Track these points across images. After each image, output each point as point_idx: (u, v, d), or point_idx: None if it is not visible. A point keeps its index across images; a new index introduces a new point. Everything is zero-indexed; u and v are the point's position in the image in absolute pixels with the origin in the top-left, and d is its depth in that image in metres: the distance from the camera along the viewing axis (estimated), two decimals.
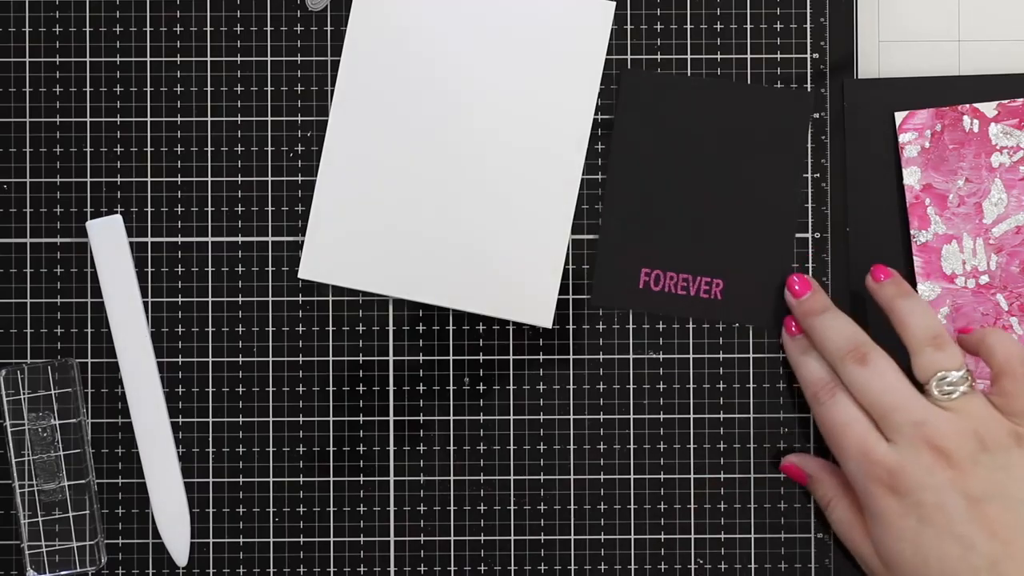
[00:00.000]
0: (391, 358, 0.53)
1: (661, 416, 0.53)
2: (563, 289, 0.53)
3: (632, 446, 0.53)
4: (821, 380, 0.50)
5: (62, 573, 0.53)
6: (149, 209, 0.53)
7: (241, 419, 0.53)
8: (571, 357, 0.53)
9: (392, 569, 0.53)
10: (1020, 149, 0.53)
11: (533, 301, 0.53)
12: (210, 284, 0.53)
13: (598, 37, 0.53)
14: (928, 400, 0.47)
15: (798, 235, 0.53)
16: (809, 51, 0.53)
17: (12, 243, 0.53)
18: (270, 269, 0.53)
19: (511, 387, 0.53)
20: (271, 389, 0.53)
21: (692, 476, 0.53)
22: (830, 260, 0.53)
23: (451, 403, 0.53)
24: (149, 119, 0.53)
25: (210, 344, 0.53)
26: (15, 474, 0.53)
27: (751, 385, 0.53)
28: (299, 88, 0.53)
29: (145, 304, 0.53)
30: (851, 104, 0.53)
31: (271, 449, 0.53)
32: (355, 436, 0.53)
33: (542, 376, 0.53)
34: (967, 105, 0.53)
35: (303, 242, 0.53)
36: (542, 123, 0.53)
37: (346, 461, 0.53)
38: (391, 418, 0.53)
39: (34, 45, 0.53)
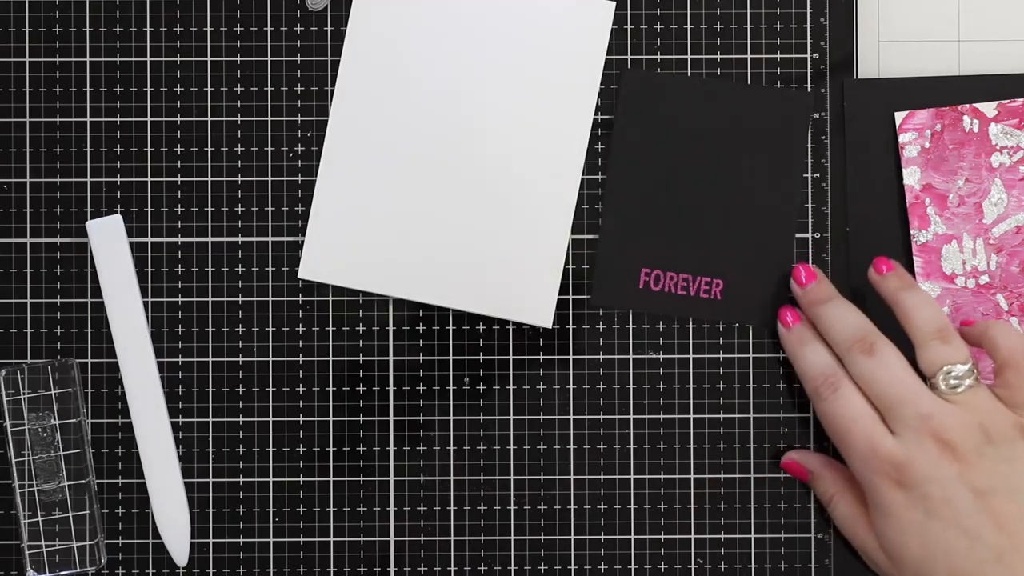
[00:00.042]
0: (391, 358, 0.53)
1: (661, 416, 0.53)
2: (563, 289, 0.53)
3: (632, 446, 0.53)
4: (821, 374, 0.49)
5: (62, 573, 0.53)
6: (149, 209, 0.53)
7: (241, 419, 0.53)
8: (571, 357, 0.53)
9: (392, 569, 0.53)
10: (1020, 149, 0.53)
11: (533, 301, 0.53)
12: (210, 284, 0.53)
13: (598, 37, 0.53)
14: (934, 393, 0.47)
15: (798, 235, 0.53)
16: (809, 51, 0.53)
17: (12, 243, 0.53)
18: (270, 269, 0.53)
19: (511, 387, 0.53)
20: (271, 389, 0.53)
21: (692, 476, 0.53)
22: (830, 260, 0.53)
23: (451, 403, 0.53)
24: (149, 119, 0.53)
25: (210, 344, 0.53)
26: (15, 474, 0.53)
27: (751, 385, 0.53)
28: (299, 88, 0.53)
29: (145, 304, 0.53)
30: (851, 104, 0.53)
31: (271, 449, 0.53)
32: (355, 436, 0.53)
33: (542, 376, 0.53)
34: (967, 105, 0.53)
35: (303, 242, 0.53)
36: (542, 123, 0.53)
37: (346, 461, 0.53)
38: (391, 418, 0.53)
39: (34, 45, 0.53)
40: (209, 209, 0.53)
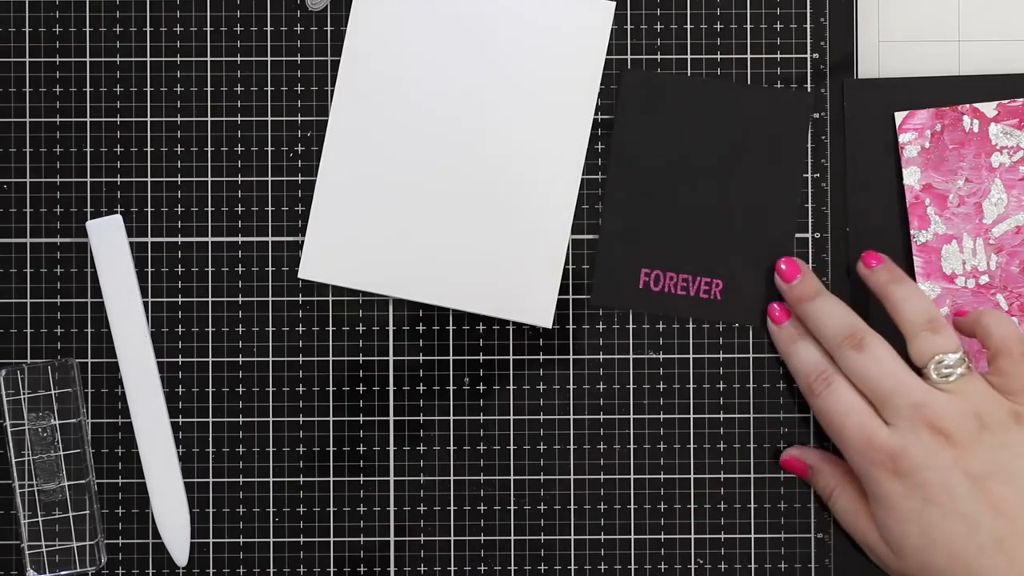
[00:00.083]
0: (391, 358, 0.53)
1: (661, 416, 0.53)
2: (563, 289, 0.53)
3: (632, 446, 0.53)
4: (814, 370, 0.50)
5: (62, 573, 0.53)
6: (149, 209, 0.53)
7: (241, 419, 0.53)
8: (571, 357, 0.53)
9: (392, 569, 0.53)
10: (1020, 149, 0.53)
11: (533, 301, 0.53)
12: (210, 284, 0.53)
13: (598, 37, 0.53)
14: (927, 384, 0.47)
15: (798, 235, 0.53)
16: (809, 51, 0.53)
17: (12, 243, 0.53)
18: (270, 269, 0.53)
19: (511, 387, 0.53)
20: (271, 389, 0.53)
21: (692, 476, 0.53)
22: (830, 260, 0.53)
23: (451, 403, 0.53)
24: (149, 119, 0.53)
25: (210, 344, 0.53)
26: (15, 474, 0.53)
27: (751, 385, 0.53)
28: (299, 88, 0.53)
29: (145, 304, 0.53)
30: (851, 104, 0.53)
31: (271, 449, 0.53)
32: (355, 436, 0.53)
33: (542, 376, 0.53)
34: (967, 105, 0.53)
35: (303, 242, 0.53)
36: (542, 123, 0.53)
37: (346, 461, 0.53)
38: (391, 418, 0.53)
39: (34, 45, 0.53)
40: (209, 209, 0.53)
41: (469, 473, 0.53)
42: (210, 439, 0.53)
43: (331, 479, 0.53)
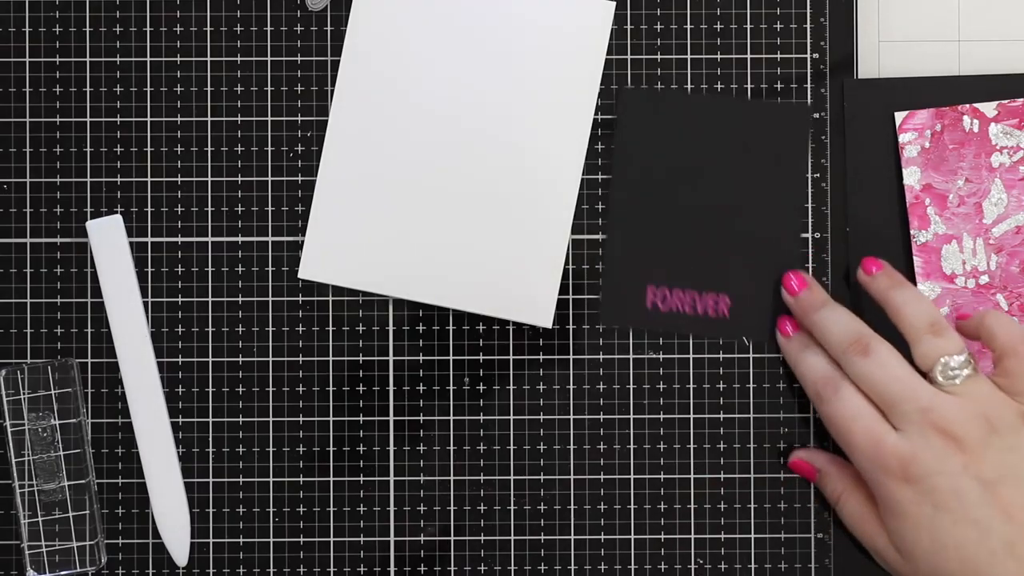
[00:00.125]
0: (391, 358, 0.53)
1: (661, 416, 0.53)
2: (563, 289, 0.53)
3: (632, 446, 0.53)
4: (823, 377, 0.49)
5: (62, 573, 0.53)
6: (149, 209, 0.53)
7: (241, 419, 0.53)
8: (571, 357, 0.53)
9: (392, 569, 0.53)
10: (1020, 149, 0.53)
11: (533, 301, 0.53)
12: (210, 284, 0.53)
13: (598, 37, 0.53)
14: (933, 387, 0.47)
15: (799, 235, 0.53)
16: (809, 51, 0.53)
17: (12, 243, 0.53)
18: (270, 269, 0.53)
19: (511, 387, 0.53)
20: (271, 389, 0.53)
21: (692, 476, 0.53)
22: (830, 260, 0.53)
23: (451, 403, 0.53)
24: (149, 119, 0.53)
25: (210, 344, 0.53)
26: (15, 474, 0.53)
27: (751, 385, 0.53)
28: (299, 88, 0.53)
29: (145, 304, 0.53)
30: (851, 104, 0.53)
31: (271, 449, 0.53)
32: (355, 436, 0.53)
33: (542, 376, 0.53)
34: (967, 105, 0.53)
35: (303, 242, 0.53)
36: (542, 123, 0.53)
37: (346, 461, 0.53)
38: (391, 418, 0.53)
39: (34, 45, 0.53)
40: (209, 209, 0.53)
41: (469, 473, 0.53)
42: (210, 439, 0.53)
43: (331, 479, 0.53)
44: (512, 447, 0.53)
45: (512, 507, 0.53)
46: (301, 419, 0.53)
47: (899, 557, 0.48)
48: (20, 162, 0.53)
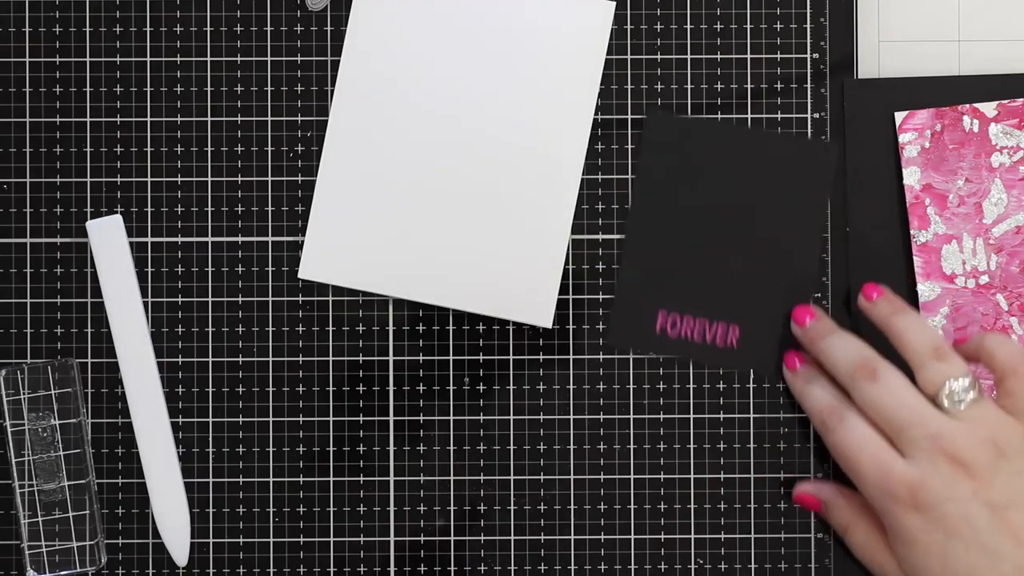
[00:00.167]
0: (391, 358, 0.53)
1: (661, 416, 0.53)
2: (563, 289, 0.53)
3: (632, 446, 0.53)
4: (828, 406, 0.49)
5: (62, 573, 0.53)
6: (149, 209, 0.53)
7: (241, 419, 0.53)
8: (571, 357, 0.53)
9: (392, 569, 0.53)
10: (1020, 149, 0.53)
11: (533, 301, 0.53)
12: (210, 284, 0.53)
13: (598, 37, 0.53)
14: (941, 412, 0.47)
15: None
16: (809, 51, 0.53)
17: (12, 243, 0.53)
18: (270, 269, 0.53)
19: (511, 387, 0.53)
20: (271, 389, 0.53)
21: (692, 476, 0.53)
22: (830, 260, 0.53)
23: (451, 403, 0.53)
24: (149, 119, 0.53)
25: (210, 344, 0.53)
26: (15, 474, 0.53)
27: (751, 385, 0.53)
28: (299, 88, 0.53)
29: (145, 304, 0.53)
30: (851, 104, 0.53)
31: (271, 449, 0.53)
32: (355, 436, 0.53)
33: (542, 376, 0.53)
34: (967, 105, 0.53)
35: (303, 242, 0.53)
36: (542, 123, 0.53)
37: (346, 461, 0.53)
38: (391, 418, 0.53)
39: (34, 45, 0.53)
40: (209, 209, 0.53)
41: (469, 473, 0.53)
42: (210, 439, 0.53)
43: (331, 479, 0.53)
44: (512, 447, 0.53)
45: (512, 507, 0.53)
46: (301, 419, 0.53)
47: None
48: (20, 162, 0.53)
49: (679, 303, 0.53)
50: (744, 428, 0.53)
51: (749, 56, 0.53)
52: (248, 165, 0.53)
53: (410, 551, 0.53)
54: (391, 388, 0.53)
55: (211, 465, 0.53)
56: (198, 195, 0.53)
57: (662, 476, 0.53)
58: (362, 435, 0.53)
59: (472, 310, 0.53)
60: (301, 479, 0.53)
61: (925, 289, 0.53)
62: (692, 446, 0.53)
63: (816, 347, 0.51)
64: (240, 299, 0.53)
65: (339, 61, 0.53)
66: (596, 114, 0.53)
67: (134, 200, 0.53)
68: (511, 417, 0.53)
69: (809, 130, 0.53)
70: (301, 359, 0.53)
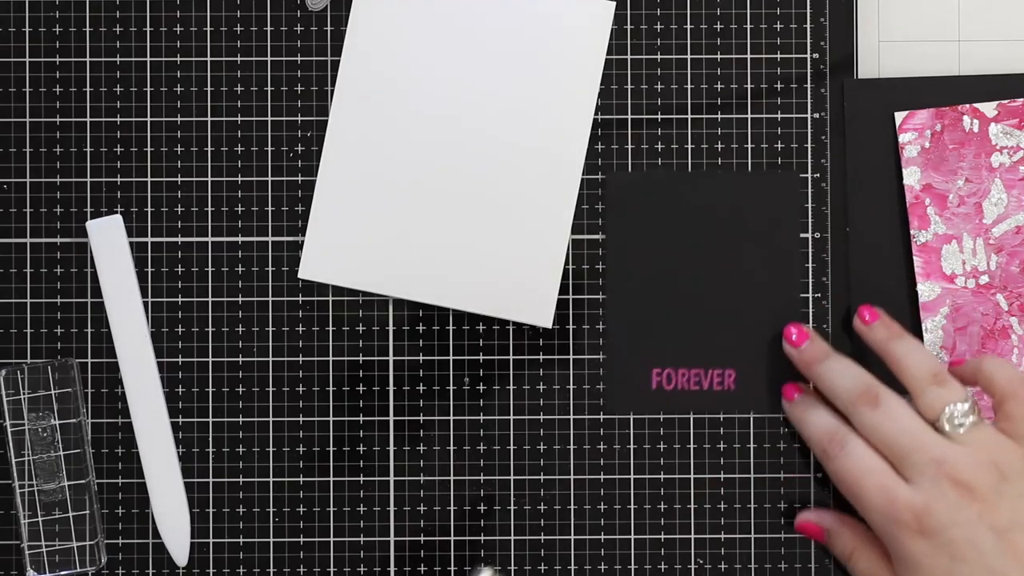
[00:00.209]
0: (391, 358, 0.53)
1: (661, 416, 0.53)
2: (563, 289, 0.53)
3: (632, 446, 0.53)
4: (827, 434, 0.49)
5: (62, 573, 0.53)
6: (149, 209, 0.53)
7: (241, 419, 0.53)
8: (571, 357, 0.53)
9: (392, 569, 0.53)
10: (1020, 149, 0.53)
11: (533, 301, 0.53)
12: (210, 284, 0.53)
13: (598, 37, 0.53)
14: (942, 437, 0.47)
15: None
16: (809, 51, 0.53)
17: (12, 243, 0.53)
18: (270, 269, 0.53)
19: (511, 387, 0.53)
20: (271, 389, 0.53)
21: (692, 476, 0.53)
22: (830, 260, 0.53)
23: (451, 403, 0.53)
24: (149, 119, 0.53)
25: (210, 344, 0.53)
26: (15, 474, 0.53)
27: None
28: (299, 88, 0.53)
29: (145, 304, 0.53)
30: (851, 104, 0.53)
31: (271, 449, 0.53)
32: (355, 436, 0.53)
33: (542, 376, 0.53)
34: (967, 105, 0.53)
35: (303, 242, 0.53)
36: (542, 123, 0.53)
37: (346, 461, 0.53)
38: (391, 418, 0.53)
39: (34, 45, 0.53)
40: (209, 209, 0.53)
41: (469, 473, 0.53)
42: (210, 439, 0.53)
43: (331, 479, 0.53)
44: (512, 447, 0.53)
45: (512, 507, 0.53)
46: (301, 419, 0.53)
47: None
48: (20, 162, 0.53)
49: (670, 358, 0.53)
50: (744, 428, 0.53)
51: (749, 56, 0.53)
52: (248, 165, 0.53)
53: (410, 551, 0.53)
54: (391, 388, 0.53)
55: (211, 465, 0.53)
56: (198, 195, 0.53)
57: (662, 476, 0.53)
58: (362, 435, 0.53)
59: (472, 310, 0.53)
60: (301, 479, 0.53)
61: (925, 289, 0.53)
62: (692, 446, 0.53)
63: (813, 371, 0.51)
64: (240, 299, 0.53)
65: (339, 61, 0.53)
66: (596, 114, 0.53)
67: (134, 200, 0.53)
68: (511, 417, 0.53)
69: (809, 130, 0.53)
70: (301, 359, 0.53)
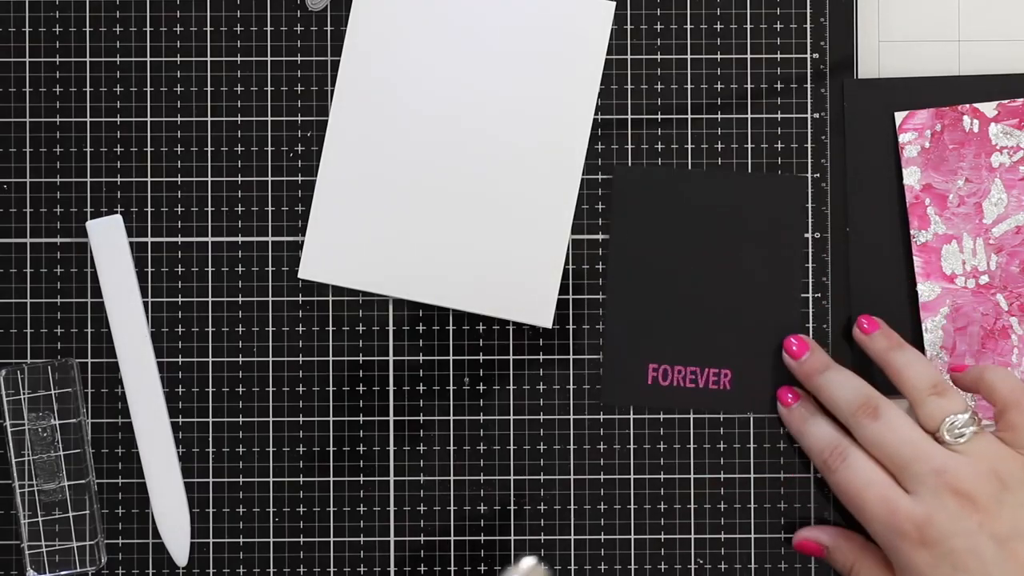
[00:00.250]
0: (391, 358, 0.53)
1: (661, 416, 0.53)
2: (563, 289, 0.53)
3: (632, 446, 0.53)
4: (828, 445, 0.49)
5: (62, 573, 0.53)
6: (149, 209, 0.53)
7: (241, 419, 0.53)
8: (571, 357, 0.53)
9: (392, 569, 0.53)
10: (1020, 149, 0.53)
11: (533, 301, 0.53)
12: (210, 284, 0.53)
13: (598, 37, 0.53)
14: (943, 447, 0.47)
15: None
16: (809, 51, 0.53)
17: (12, 243, 0.53)
18: (270, 269, 0.53)
19: (511, 387, 0.53)
20: (271, 389, 0.53)
21: (692, 476, 0.53)
22: (830, 260, 0.53)
23: (451, 403, 0.53)
24: (149, 119, 0.53)
25: (210, 344, 0.53)
26: (15, 474, 0.53)
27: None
28: (299, 88, 0.53)
29: (145, 304, 0.53)
30: (851, 104, 0.53)
31: (271, 449, 0.53)
32: (355, 436, 0.53)
33: (542, 376, 0.53)
34: (967, 105, 0.53)
35: (303, 242, 0.53)
36: (542, 123, 0.53)
37: (346, 461, 0.53)
38: (391, 418, 0.53)
39: (34, 45, 0.53)
40: (209, 209, 0.53)
41: (469, 473, 0.53)
42: (210, 439, 0.53)
43: (331, 479, 0.53)
44: (512, 447, 0.53)
45: (512, 507, 0.53)
46: (301, 419, 0.53)
47: None
48: (20, 162, 0.53)
49: (667, 354, 0.53)
50: (744, 428, 0.53)
51: (749, 56, 0.53)
52: (248, 165, 0.53)
53: (410, 551, 0.53)
54: (391, 388, 0.53)
55: (211, 465, 0.53)
56: (198, 195, 0.53)
57: (662, 476, 0.53)
58: (362, 435, 0.53)
59: (472, 310, 0.53)
60: (301, 479, 0.53)
61: (925, 289, 0.53)
62: (692, 446, 0.53)
63: (813, 383, 0.51)
64: (240, 299, 0.53)
65: (339, 61, 0.53)
66: (596, 114, 0.53)
67: (134, 200, 0.53)
68: (511, 417, 0.53)
69: (809, 130, 0.53)
70: (301, 359, 0.53)
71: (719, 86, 0.53)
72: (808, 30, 0.53)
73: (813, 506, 0.53)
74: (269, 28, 0.53)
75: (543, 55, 0.53)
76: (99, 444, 0.53)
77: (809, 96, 0.53)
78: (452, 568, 0.53)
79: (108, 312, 0.53)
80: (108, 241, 0.53)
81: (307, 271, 0.53)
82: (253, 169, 0.53)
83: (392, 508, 0.53)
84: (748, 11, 0.53)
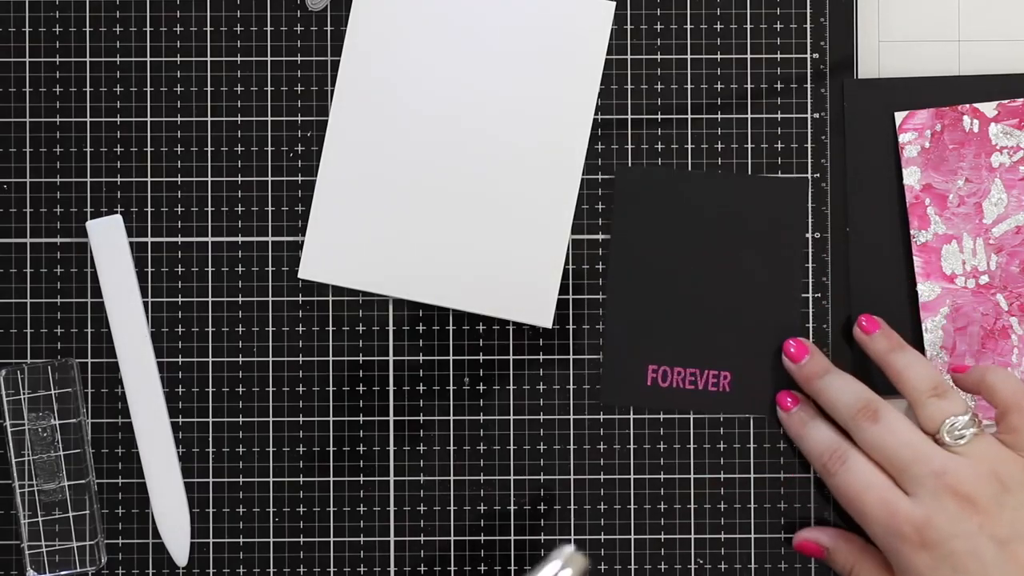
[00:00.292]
0: (391, 358, 0.53)
1: (661, 416, 0.53)
2: (563, 289, 0.53)
3: (632, 446, 0.53)
4: (828, 449, 0.49)
5: (62, 573, 0.53)
6: (149, 209, 0.53)
7: (241, 419, 0.53)
8: (571, 357, 0.53)
9: (392, 569, 0.53)
10: (1020, 149, 0.53)
11: (533, 301, 0.53)
12: (210, 284, 0.53)
13: (598, 37, 0.53)
14: (942, 449, 0.47)
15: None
16: (809, 51, 0.53)
17: (12, 243, 0.53)
18: (270, 269, 0.53)
19: (511, 387, 0.53)
20: (271, 389, 0.53)
21: (692, 476, 0.53)
22: (830, 260, 0.53)
23: (451, 403, 0.53)
24: (149, 119, 0.53)
25: (210, 344, 0.53)
26: (15, 474, 0.53)
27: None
28: (299, 88, 0.53)
29: (145, 304, 0.53)
30: (851, 104, 0.53)
31: (271, 449, 0.53)
32: (355, 436, 0.53)
33: (542, 376, 0.53)
34: (967, 105, 0.53)
35: (303, 242, 0.53)
36: (542, 123, 0.53)
37: (346, 461, 0.53)
38: (391, 418, 0.53)
39: (34, 45, 0.53)
40: (209, 209, 0.53)
41: (469, 473, 0.53)
42: (210, 439, 0.53)
43: (331, 479, 0.53)
44: (512, 447, 0.53)
45: (512, 507, 0.53)
46: (301, 419, 0.53)
47: None
48: (20, 162, 0.53)
49: (666, 355, 0.53)
50: (744, 428, 0.53)
51: (749, 56, 0.53)
52: (248, 165, 0.53)
53: (410, 551, 0.53)
54: (391, 388, 0.53)
55: (211, 465, 0.53)
56: (198, 195, 0.53)
57: (662, 476, 0.53)
58: (362, 435, 0.53)
59: (472, 310, 0.53)
60: (301, 479, 0.53)
61: (925, 289, 0.53)
62: (692, 446, 0.53)
63: (812, 386, 0.51)
64: (240, 299, 0.53)
65: (339, 61, 0.53)
66: (596, 114, 0.53)
67: (134, 200, 0.53)
68: (511, 417, 0.53)
69: (809, 130, 0.53)
70: (301, 359, 0.53)
71: (719, 86, 0.53)
72: (808, 30, 0.53)
73: (813, 507, 0.53)
74: (269, 28, 0.53)
75: (543, 55, 0.53)
76: (99, 444, 0.53)
77: (809, 96, 0.53)
78: (452, 568, 0.53)
79: (108, 312, 0.53)
80: (108, 241, 0.53)
81: (307, 271, 0.53)
82: (253, 169, 0.53)
83: (392, 508, 0.53)
84: (748, 11, 0.53)
